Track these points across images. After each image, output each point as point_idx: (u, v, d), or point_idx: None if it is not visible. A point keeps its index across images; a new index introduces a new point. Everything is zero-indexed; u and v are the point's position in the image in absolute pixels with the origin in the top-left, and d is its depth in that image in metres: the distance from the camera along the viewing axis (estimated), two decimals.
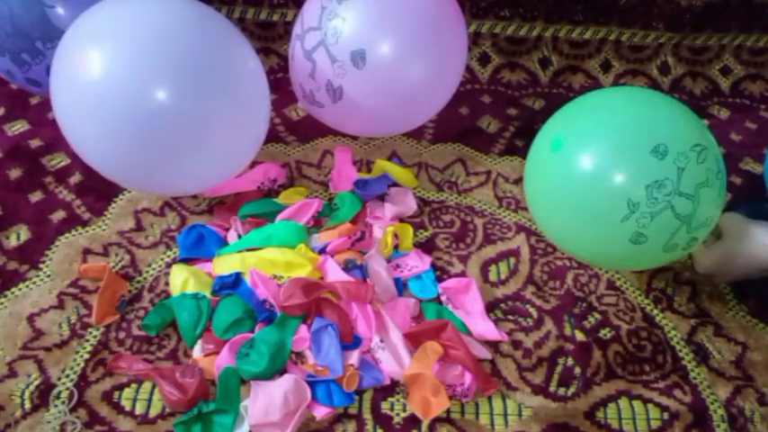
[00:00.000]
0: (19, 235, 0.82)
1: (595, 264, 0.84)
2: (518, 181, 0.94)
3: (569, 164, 0.72)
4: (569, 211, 0.73)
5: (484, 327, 0.74)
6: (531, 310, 0.78)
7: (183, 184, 0.80)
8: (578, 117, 0.76)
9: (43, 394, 0.66)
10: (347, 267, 0.76)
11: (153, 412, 0.66)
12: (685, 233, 0.69)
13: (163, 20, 0.70)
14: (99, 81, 0.66)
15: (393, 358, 0.69)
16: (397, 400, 0.68)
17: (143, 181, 0.78)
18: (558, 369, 0.72)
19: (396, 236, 0.84)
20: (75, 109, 0.69)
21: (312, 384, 0.66)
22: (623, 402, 0.69)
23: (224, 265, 0.77)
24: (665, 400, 0.70)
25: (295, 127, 1.02)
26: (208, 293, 0.74)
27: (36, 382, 0.67)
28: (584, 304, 0.78)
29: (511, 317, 0.77)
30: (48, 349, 0.70)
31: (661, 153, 0.67)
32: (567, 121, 0.77)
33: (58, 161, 0.92)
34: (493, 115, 1.08)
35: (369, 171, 0.94)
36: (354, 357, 0.69)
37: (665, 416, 0.69)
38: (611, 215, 0.69)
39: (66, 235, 0.82)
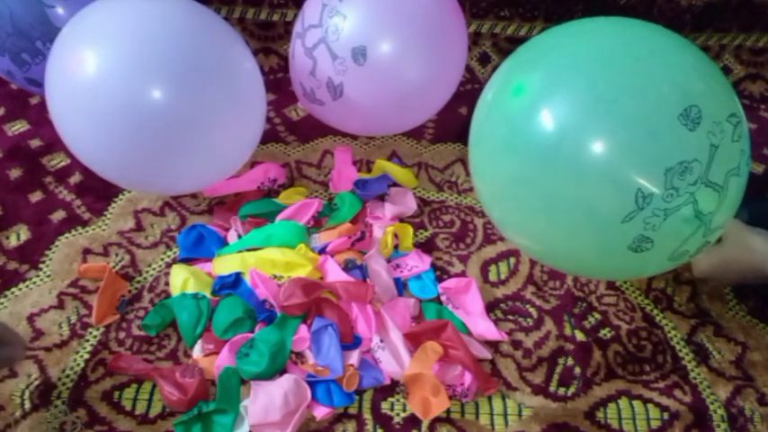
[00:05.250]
0: (19, 235, 0.82)
1: (564, 271, 0.69)
2: None
3: (541, 125, 0.47)
4: (538, 201, 0.52)
5: (484, 327, 0.74)
6: (531, 310, 0.78)
7: (179, 184, 0.80)
8: (564, 49, 0.51)
9: (43, 394, 0.66)
10: (347, 267, 0.76)
11: (153, 412, 0.66)
12: (701, 237, 0.52)
13: (159, 19, 0.70)
14: (94, 80, 0.67)
15: (393, 358, 0.69)
16: (397, 400, 0.68)
17: (138, 180, 0.78)
18: (558, 369, 0.72)
19: (396, 236, 0.84)
20: (69, 108, 0.70)
21: (312, 384, 0.66)
22: (623, 402, 0.69)
23: (224, 265, 0.77)
24: (665, 400, 0.70)
25: (295, 127, 1.02)
26: (208, 293, 0.74)
27: (36, 382, 0.67)
28: (584, 304, 0.78)
29: (511, 317, 0.77)
30: (48, 349, 0.70)
31: (693, 120, 0.45)
32: (546, 53, 0.52)
33: (58, 161, 0.92)
34: None
35: (369, 171, 0.94)
36: (354, 357, 0.69)
37: (665, 416, 0.69)
38: (609, 212, 0.49)
39: (66, 235, 0.82)
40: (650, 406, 0.69)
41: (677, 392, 0.71)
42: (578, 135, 0.47)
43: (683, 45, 0.52)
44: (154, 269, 0.79)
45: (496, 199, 0.58)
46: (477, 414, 0.68)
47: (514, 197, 0.54)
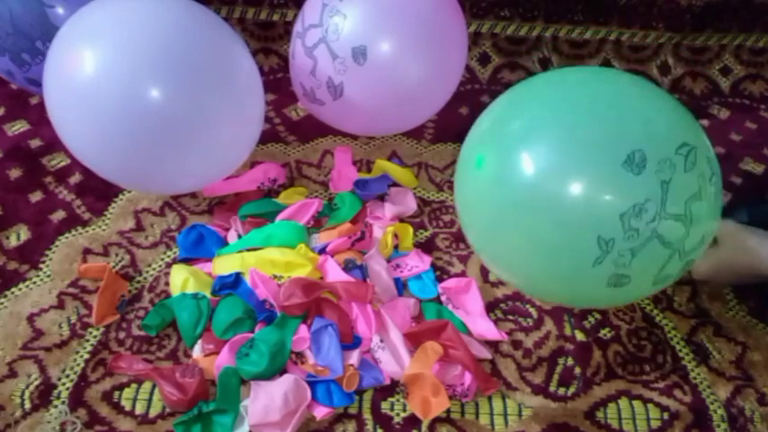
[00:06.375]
0: (19, 235, 0.82)
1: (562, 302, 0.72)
2: None
3: (503, 189, 0.53)
4: (515, 251, 0.56)
5: (484, 327, 0.74)
6: (531, 310, 0.78)
7: (177, 183, 0.80)
8: (510, 116, 0.57)
9: (43, 394, 0.66)
10: (347, 267, 0.76)
11: (153, 412, 0.66)
12: (678, 260, 0.54)
13: (158, 19, 0.70)
14: (92, 80, 0.67)
15: (393, 358, 0.69)
16: (397, 400, 0.68)
17: (136, 179, 0.78)
18: (558, 369, 0.72)
19: (396, 236, 0.84)
20: (68, 108, 0.70)
21: (312, 384, 0.66)
22: (623, 402, 0.69)
23: (224, 265, 0.77)
24: (665, 400, 0.70)
25: (295, 127, 1.02)
26: (208, 293, 0.74)
27: (36, 382, 0.67)
28: None
29: (511, 317, 0.77)
30: (48, 349, 0.70)
31: (637, 164, 0.48)
32: (495, 123, 0.58)
33: (58, 161, 0.92)
34: None
35: (369, 171, 0.94)
36: (354, 357, 0.69)
37: (665, 416, 0.69)
38: (577, 259, 0.52)
39: (66, 235, 0.82)
40: (650, 406, 0.69)
41: (677, 392, 0.71)
42: (538, 189, 0.52)
43: (630, 83, 0.55)
44: (154, 269, 0.79)
45: (480, 236, 0.62)
46: (477, 414, 0.68)
47: (496, 238, 0.58)
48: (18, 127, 0.98)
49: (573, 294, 0.59)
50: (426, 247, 0.84)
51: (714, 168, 0.56)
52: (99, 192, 0.88)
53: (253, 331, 0.71)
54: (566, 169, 0.51)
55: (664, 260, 0.53)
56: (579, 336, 0.75)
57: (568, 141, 0.51)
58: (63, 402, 0.66)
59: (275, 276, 0.75)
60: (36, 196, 0.87)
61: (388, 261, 0.80)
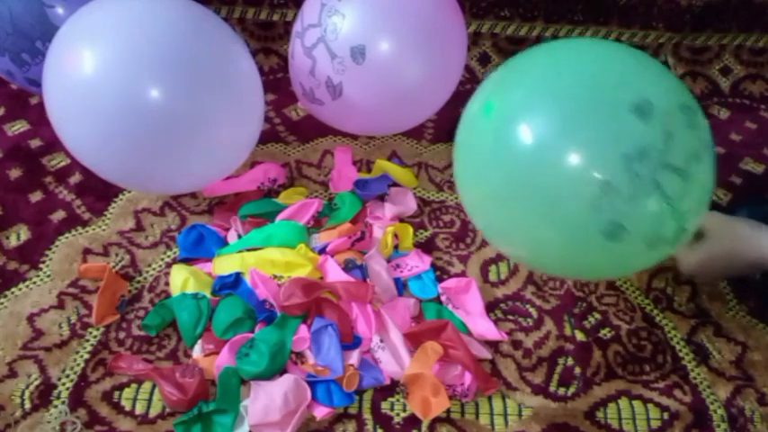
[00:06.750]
0: (19, 235, 0.82)
1: (546, 270, 0.71)
2: None
3: (509, 128, 0.54)
4: (511, 197, 0.56)
5: (484, 327, 0.74)
6: (531, 310, 0.78)
7: (177, 183, 0.80)
8: (527, 67, 0.59)
9: (43, 394, 0.66)
10: (347, 267, 0.76)
11: (153, 412, 0.66)
12: (673, 221, 0.55)
13: (157, 19, 0.70)
14: (91, 80, 0.66)
15: (393, 358, 0.69)
16: (397, 400, 0.68)
17: (136, 179, 0.78)
18: (558, 369, 0.72)
19: (396, 236, 0.84)
20: (67, 107, 0.70)
21: (312, 384, 0.66)
22: (623, 402, 0.69)
23: (224, 265, 0.77)
24: (665, 400, 0.70)
25: (295, 127, 1.02)
26: (208, 293, 0.74)
27: (36, 382, 0.67)
28: (584, 304, 0.78)
29: (511, 317, 0.77)
30: (48, 349, 0.70)
31: (645, 111, 0.50)
32: (512, 72, 0.60)
33: (58, 161, 0.92)
34: None
35: (369, 171, 0.94)
36: (354, 357, 0.69)
37: (665, 416, 0.69)
38: (573, 201, 0.53)
39: (66, 235, 0.82)
40: (650, 406, 0.69)
41: (677, 392, 0.71)
42: (547, 138, 0.53)
43: (636, 54, 0.59)
44: (154, 269, 0.79)
45: (479, 204, 0.63)
46: (477, 414, 0.68)
47: (497, 200, 0.59)
48: (18, 127, 0.98)
49: (571, 247, 0.57)
50: (426, 247, 0.84)
51: (710, 141, 0.57)
52: (99, 192, 0.88)
53: (253, 331, 0.71)
54: (575, 108, 0.52)
55: (660, 215, 0.53)
56: (579, 336, 0.75)
57: (578, 85, 0.53)
58: (63, 402, 0.66)
59: (275, 276, 0.75)
60: (36, 196, 0.87)
61: (388, 261, 0.80)
